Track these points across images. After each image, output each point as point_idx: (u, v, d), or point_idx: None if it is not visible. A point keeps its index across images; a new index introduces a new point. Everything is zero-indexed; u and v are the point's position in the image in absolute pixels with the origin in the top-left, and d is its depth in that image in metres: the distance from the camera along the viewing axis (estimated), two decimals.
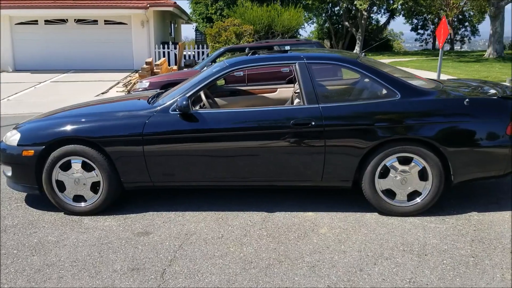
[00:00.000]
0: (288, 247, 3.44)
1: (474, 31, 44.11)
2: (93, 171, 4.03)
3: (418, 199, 3.87)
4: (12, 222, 4.01)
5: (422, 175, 3.85)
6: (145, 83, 9.96)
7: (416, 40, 44.31)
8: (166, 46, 18.48)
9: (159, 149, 3.96)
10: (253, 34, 17.99)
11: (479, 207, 4.06)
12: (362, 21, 30.85)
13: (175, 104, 3.95)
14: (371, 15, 35.42)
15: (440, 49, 9.16)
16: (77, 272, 3.15)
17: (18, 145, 4.09)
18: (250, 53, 4.51)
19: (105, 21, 18.64)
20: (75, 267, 3.22)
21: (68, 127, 4.04)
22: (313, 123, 3.83)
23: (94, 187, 4.08)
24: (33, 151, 4.02)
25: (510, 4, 21.94)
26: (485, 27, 45.49)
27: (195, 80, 4.21)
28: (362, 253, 3.34)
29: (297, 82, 4.11)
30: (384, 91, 3.94)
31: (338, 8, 35.57)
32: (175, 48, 18.73)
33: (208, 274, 3.10)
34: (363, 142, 3.80)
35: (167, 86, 9.70)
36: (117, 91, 13.37)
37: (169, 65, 16.67)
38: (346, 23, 31.87)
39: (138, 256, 3.36)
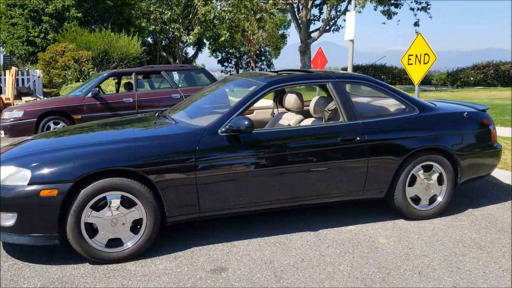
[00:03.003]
0: (377, 260, 3.49)
1: (269, 65, 49.24)
2: (133, 207, 3.40)
3: (440, 198, 4.33)
4: (40, 284, 3.09)
5: (439, 180, 4.34)
6: (17, 112, 8.54)
7: (222, 71, 47.09)
8: None
9: (213, 175, 3.59)
10: (91, 60, 16.88)
11: (471, 205, 4.75)
12: (180, 52, 31.57)
13: (228, 125, 3.64)
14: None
15: None
16: None
17: (30, 183, 3.19)
18: (281, 72, 4.43)
19: None
20: None
21: (104, 156, 3.34)
22: (358, 138, 3.98)
23: (134, 226, 3.44)
24: (56, 190, 3.19)
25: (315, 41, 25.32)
26: (278, 62, 51.05)
27: (238, 101, 3.90)
28: (444, 253, 3.60)
29: (332, 99, 4.21)
30: (403, 107, 4.34)
31: (150, 39, 35.62)
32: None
33: None
34: (398, 154, 4.11)
35: (45, 115, 8.55)
36: None
37: None
38: (164, 53, 32.14)
39: None
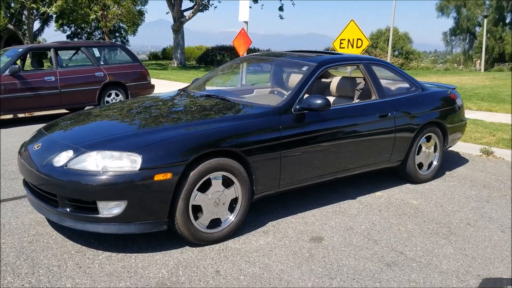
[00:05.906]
0: (429, 218, 4.05)
1: (124, 42, 47.07)
2: (231, 187, 3.42)
3: (435, 163, 5.12)
4: (166, 271, 2.97)
5: (435, 149, 5.12)
6: None
7: None
8: None
9: (291, 150, 3.74)
10: None
11: (444, 169, 5.65)
12: (31, 25, 28.39)
13: (300, 103, 3.82)
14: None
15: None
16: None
17: (141, 168, 3.00)
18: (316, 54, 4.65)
19: None
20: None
21: (210, 137, 3.27)
22: (389, 114, 4.49)
23: (230, 205, 3.47)
24: (171, 173, 3.06)
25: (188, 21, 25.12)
26: (135, 39, 48.77)
27: (299, 81, 4.05)
28: (468, 207, 4.33)
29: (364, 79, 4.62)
30: (409, 86, 4.98)
31: None
32: None
33: (440, 247, 3.48)
34: (414, 127, 4.73)
35: None
36: None
37: None
38: (11, 26, 28.52)
39: (364, 255, 3.30)
